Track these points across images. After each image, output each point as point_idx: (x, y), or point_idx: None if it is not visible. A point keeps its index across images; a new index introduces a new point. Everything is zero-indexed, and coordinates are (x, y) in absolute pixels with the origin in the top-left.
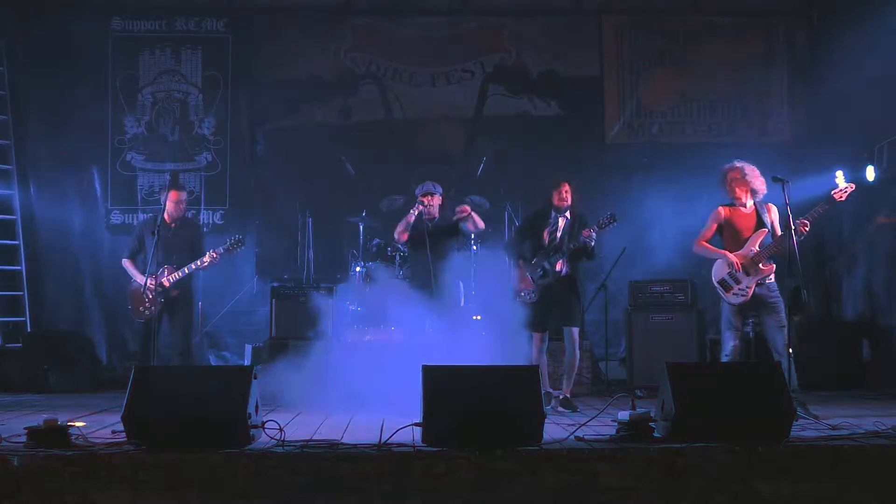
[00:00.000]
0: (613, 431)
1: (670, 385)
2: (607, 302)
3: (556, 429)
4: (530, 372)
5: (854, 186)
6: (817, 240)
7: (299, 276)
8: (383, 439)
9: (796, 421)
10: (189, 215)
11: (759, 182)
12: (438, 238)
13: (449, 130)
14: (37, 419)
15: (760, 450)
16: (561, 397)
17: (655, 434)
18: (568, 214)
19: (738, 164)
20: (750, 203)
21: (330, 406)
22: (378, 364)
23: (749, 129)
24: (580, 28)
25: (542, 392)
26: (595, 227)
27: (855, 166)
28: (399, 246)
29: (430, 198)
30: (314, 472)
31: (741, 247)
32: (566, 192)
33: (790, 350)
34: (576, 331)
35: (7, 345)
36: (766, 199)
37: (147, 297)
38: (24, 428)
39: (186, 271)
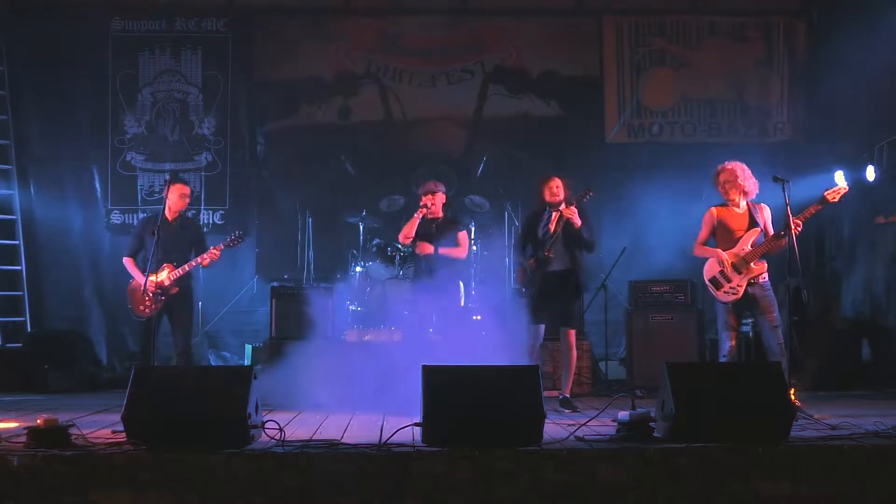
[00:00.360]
0: (613, 431)
1: (670, 385)
2: (607, 302)
3: (556, 429)
4: (530, 372)
5: (847, 188)
6: (817, 240)
7: (299, 276)
8: (383, 439)
9: (796, 421)
10: (189, 215)
11: (751, 182)
12: (442, 237)
13: (449, 130)
14: (36, 419)
15: (760, 450)
16: (560, 397)
17: (655, 434)
18: (559, 208)
19: (729, 164)
20: (743, 203)
21: (330, 406)
22: (378, 364)
23: (749, 129)
24: (580, 28)
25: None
26: (574, 203)
27: (855, 166)
28: (398, 246)
29: (432, 196)
30: (314, 472)
31: (734, 246)
32: (556, 186)
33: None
34: (572, 332)
35: (7, 345)
36: (761, 199)
37: (147, 295)
38: (24, 428)
39: (187, 268)
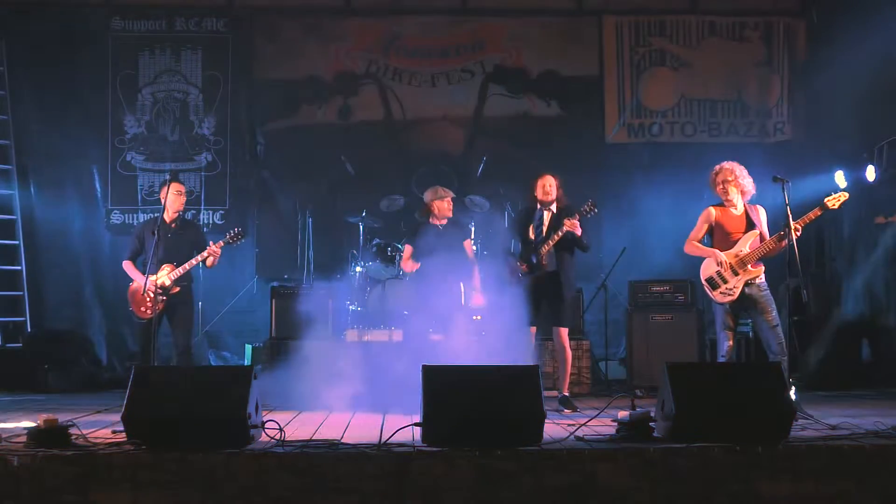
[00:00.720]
0: (613, 431)
1: (670, 385)
2: (607, 302)
3: (556, 429)
4: (530, 372)
5: (848, 195)
6: (817, 240)
7: (299, 276)
8: (383, 439)
9: (796, 421)
10: (188, 216)
11: (749, 182)
12: (450, 238)
13: (449, 130)
14: (36, 419)
15: (760, 450)
16: (559, 396)
17: (655, 434)
18: (553, 208)
19: (727, 164)
20: (740, 204)
21: (330, 406)
22: (378, 364)
23: (749, 129)
24: (580, 28)
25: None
26: (577, 216)
27: (855, 166)
28: (399, 246)
29: (441, 202)
30: (314, 472)
31: (731, 247)
32: (549, 185)
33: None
34: (564, 331)
35: (7, 345)
36: (761, 199)
37: (148, 296)
38: (24, 428)
39: (188, 266)
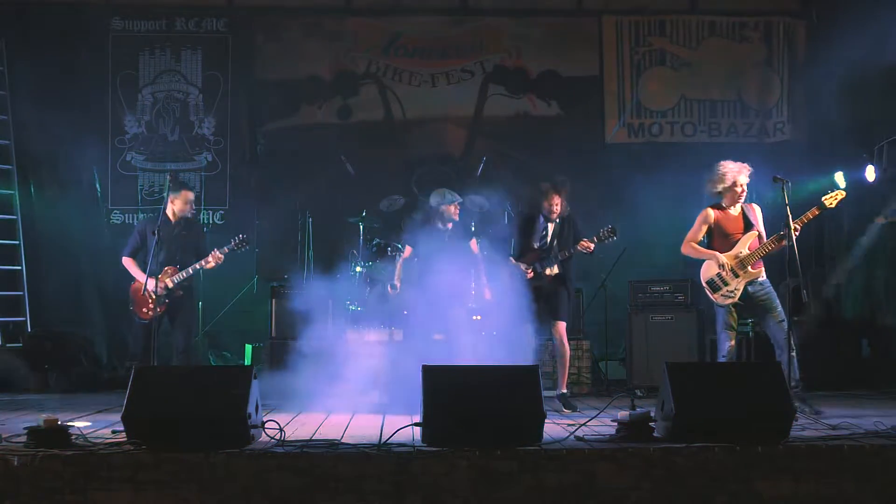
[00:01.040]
0: (613, 431)
1: (670, 385)
2: (607, 302)
3: (556, 429)
4: (530, 372)
5: (845, 193)
6: (817, 240)
7: (299, 276)
8: (383, 439)
9: (796, 421)
10: (190, 215)
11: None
12: (457, 242)
13: (449, 130)
14: (37, 419)
15: (760, 450)
16: (558, 393)
17: (655, 434)
18: (558, 219)
19: (732, 164)
20: (738, 205)
21: (330, 406)
22: (378, 364)
23: (749, 129)
24: (580, 28)
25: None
26: (594, 239)
27: (855, 166)
28: (399, 246)
29: (449, 207)
30: (314, 472)
31: (730, 249)
32: (557, 204)
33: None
34: (562, 325)
35: (7, 345)
36: (756, 199)
37: (151, 298)
38: (24, 428)
39: (191, 272)
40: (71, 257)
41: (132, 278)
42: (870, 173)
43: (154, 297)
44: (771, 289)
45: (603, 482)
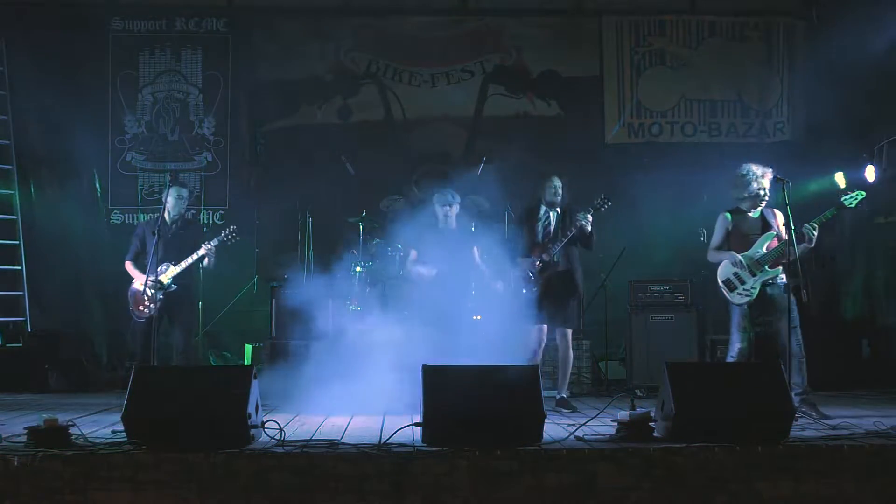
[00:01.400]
0: (613, 431)
1: (670, 385)
2: (607, 302)
3: (556, 429)
4: (530, 372)
5: (864, 194)
6: (817, 240)
7: (299, 276)
8: (383, 439)
9: (796, 421)
10: (189, 215)
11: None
12: (455, 244)
13: (449, 130)
14: (37, 419)
15: (760, 450)
16: (558, 397)
17: (655, 434)
18: (559, 209)
19: (761, 167)
20: (758, 209)
21: (330, 406)
22: (378, 364)
23: (749, 129)
24: (580, 28)
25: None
26: (590, 210)
27: (855, 166)
28: (399, 246)
29: (450, 208)
30: (314, 473)
31: (748, 249)
32: (559, 187)
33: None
34: (569, 332)
35: (7, 345)
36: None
37: (146, 294)
38: (24, 428)
39: (184, 265)
40: (71, 257)
41: (131, 280)
42: (870, 173)
43: (150, 293)
44: (790, 293)
45: (603, 482)
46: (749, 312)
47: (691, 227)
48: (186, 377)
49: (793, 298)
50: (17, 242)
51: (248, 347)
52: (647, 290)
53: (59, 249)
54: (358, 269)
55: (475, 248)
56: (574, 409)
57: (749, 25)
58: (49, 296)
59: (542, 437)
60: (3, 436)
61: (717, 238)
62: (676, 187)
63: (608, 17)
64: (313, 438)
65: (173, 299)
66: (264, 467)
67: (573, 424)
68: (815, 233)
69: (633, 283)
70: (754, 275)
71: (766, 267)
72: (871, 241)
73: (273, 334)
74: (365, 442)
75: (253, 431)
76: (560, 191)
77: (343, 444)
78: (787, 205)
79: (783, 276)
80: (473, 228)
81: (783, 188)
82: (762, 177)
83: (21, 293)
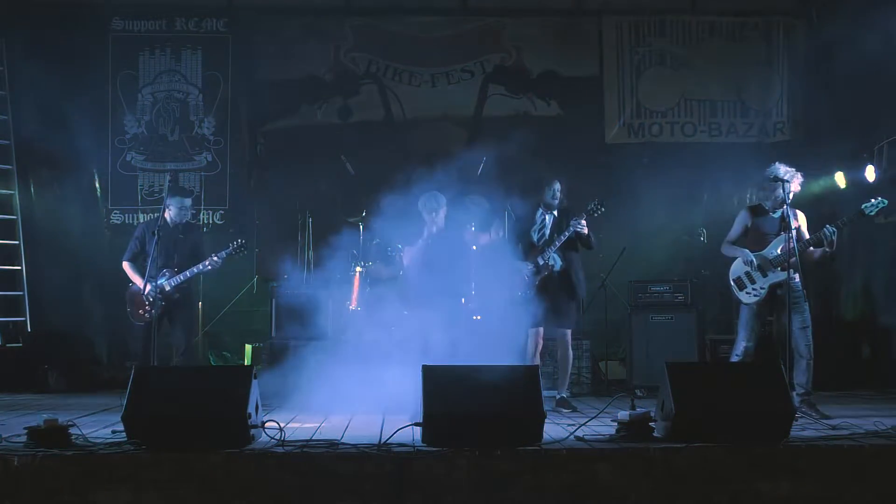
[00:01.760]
0: (613, 431)
1: (670, 385)
2: (607, 302)
3: (556, 429)
4: (530, 372)
5: (887, 202)
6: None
7: (299, 276)
8: (383, 439)
9: (796, 421)
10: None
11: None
12: (445, 248)
13: (449, 130)
14: (37, 419)
15: (760, 450)
16: (557, 397)
17: (655, 434)
18: (555, 211)
19: (790, 169)
20: (780, 210)
21: (330, 406)
22: (378, 364)
23: (749, 129)
24: (580, 28)
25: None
26: (584, 215)
27: (855, 166)
28: (399, 246)
29: (435, 214)
30: (314, 472)
31: (763, 249)
32: (558, 190)
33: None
34: (568, 333)
35: (7, 345)
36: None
37: (147, 300)
38: (24, 428)
39: (188, 275)
40: (71, 257)
41: (130, 280)
42: (870, 173)
43: (150, 300)
44: (802, 293)
45: (603, 482)
46: (758, 311)
47: (691, 228)
48: (186, 377)
49: (807, 300)
50: (17, 242)
51: (248, 347)
52: (647, 290)
53: (59, 249)
54: (358, 269)
55: (484, 235)
56: (574, 409)
57: (749, 25)
58: (49, 296)
59: (542, 437)
60: (3, 436)
61: (734, 233)
62: (676, 187)
63: (608, 17)
64: (313, 438)
65: (173, 300)
66: (264, 467)
67: (573, 424)
68: (836, 237)
69: (632, 283)
70: (765, 275)
71: (778, 269)
72: (872, 241)
73: (273, 334)
74: (365, 442)
75: (253, 431)
76: (559, 194)
77: (343, 444)
78: (787, 205)
79: (797, 277)
80: (473, 228)
81: (784, 188)
82: (776, 177)
83: (21, 293)
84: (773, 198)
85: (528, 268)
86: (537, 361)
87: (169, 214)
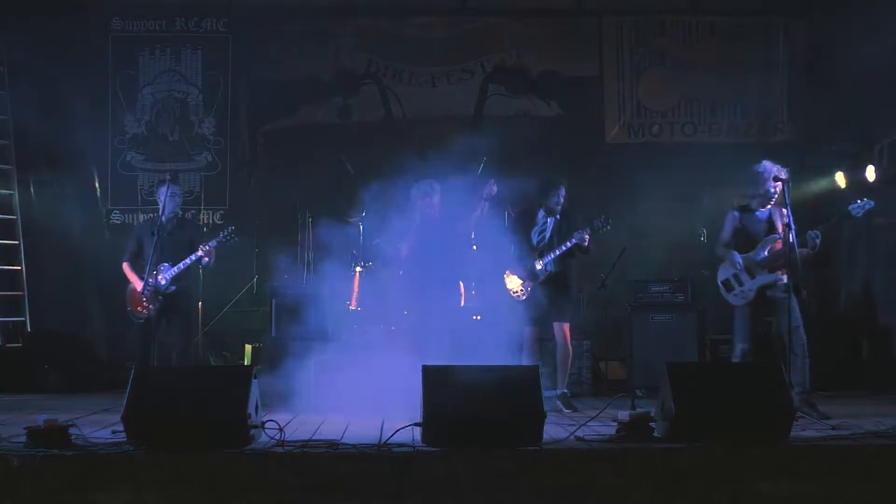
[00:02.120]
0: (613, 431)
1: (670, 385)
2: (607, 302)
3: (556, 429)
4: (530, 372)
5: (873, 203)
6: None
7: (299, 275)
8: (383, 439)
9: (796, 421)
10: (188, 215)
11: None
12: (439, 232)
13: (449, 130)
14: (37, 419)
15: (760, 450)
16: (558, 393)
17: (655, 434)
18: (558, 215)
19: (776, 166)
20: (768, 208)
21: (330, 406)
22: (378, 364)
23: (749, 129)
24: (580, 28)
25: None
26: (588, 230)
27: (855, 166)
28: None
29: (429, 199)
30: (314, 472)
31: (751, 250)
32: (562, 196)
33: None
34: (566, 326)
35: (7, 345)
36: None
37: (144, 296)
38: (24, 428)
39: (182, 267)
40: (71, 257)
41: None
42: (870, 173)
43: (147, 295)
44: (791, 294)
45: (603, 482)
46: (750, 313)
47: (691, 227)
48: (186, 377)
49: (795, 298)
50: (17, 242)
51: (248, 347)
52: (647, 290)
53: (59, 249)
54: (358, 269)
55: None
56: (574, 409)
57: (749, 25)
58: (49, 296)
59: (542, 437)
60: (3, 436)
61: (725, 234)
62: (676, 187)
63: (608, 17)
64: (313, 438)
65: (173, 299)
66: (264, 467)
67: (573, 424)
68: (819, 240)
69: (633, 283)
70: (753, 277)
71: (766, 270)
72: (872, 241)
73: (273, 334)
74: (365, 442)
75: (253, 431)
76: (562, 199)
77: (343, 444)
78: (787, 205)
79: (784, 277)
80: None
81: (784, 188)
82: (776, 177)
83: (21, 293)
84: (757, 193)
85: (526, 269)
86: (534, 360)
87: (161, 207)
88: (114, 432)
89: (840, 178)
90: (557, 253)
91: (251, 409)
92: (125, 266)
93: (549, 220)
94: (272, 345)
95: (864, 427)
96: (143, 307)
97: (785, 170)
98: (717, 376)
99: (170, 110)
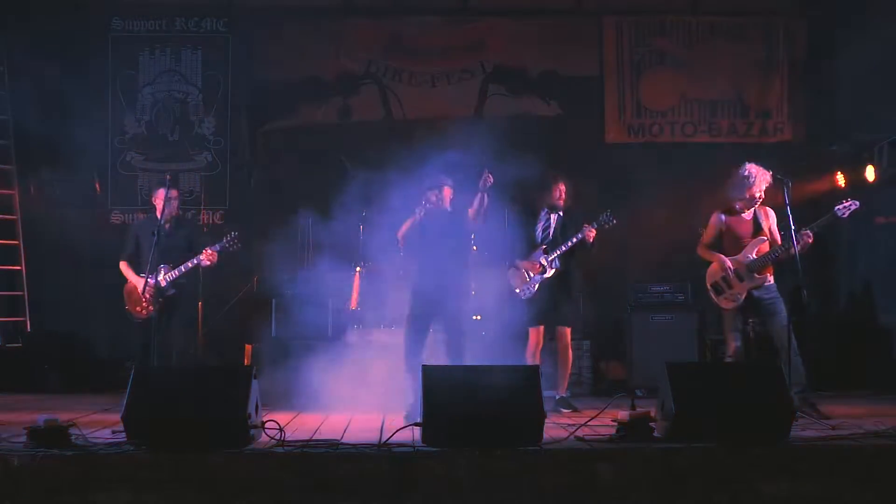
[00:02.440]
0: (613, 431)
1: (670, 385)
2: (607, 302)
3: (556, 429)
4: (530, 372)
5: (858, 204)
6: (817, 240)
7: (299, 276)
8: (383, 439)
9: (796, 422)
10: (188, 215)
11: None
12: (451, 234)
13: (449, 130)
14: (37, 419)
15: (760, 450)
16: (557, 397)
17: (655, 434)
18: (560, 212)
19: (761, 169)
20: (752, 209)
21: (330, 406)
22: (378, 364)
23: (749, 129)
24: (580, 28)
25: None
26: (594, 226)
27: (855, 166)
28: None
29: (438, 191)
30: (314, 472)
31: (739, 253)
32: (563, 191)
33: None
34: (568, 331)
35: (7, 345)
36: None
37: (144, 297)
38: (24, 428)
39: (183, 269)
40: (71, 257)
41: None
42: (870, 173)
43: (148, 296)
44: (777, 294)
45: (603, 482)
46: (739, 314)
47: (691, 227)
48: (186, 377)
49: (781, 298)
50: (17, 242)
51: (248, 347)
52: (647, 290)
53: (59, 249)
54: (358, 269)
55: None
56: (574, 409)
57: (749, 25)
58: (49, 296)
59: (542, 437)
60: (3, 436)
61: (707, 235)
62: (676, 187)
63: (608, 17)
64: (313, 438)
65: (173, 299)
66: (264, 467)
67: (573, 424)
68: (811, 240)
69: (633, 283)
70: (742, 280)
71: (755, 273)
72: (872, 241)
73: (273, 334)
74: (365, 442)
75: (253, 431)
76: (564, 195)
77: (343, 444)
78: (787, 205)
79: (771, 278)
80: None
81: (783, 188)
82: (761, 179)
83: (21, 293)
84: (742, 196)
85: (529, 266)
86: (537, 360)
87: (158, 210)
88: (114, 432)
89: (840, 178)
90: (563, 249)
91: (251, 409)
92: (123, 265)
93: (551, 216)
94: (272, 345)
95: (864, 427)
96: (142, 307)
97: (769, 172)
98: (717, 376)
99: (170, 110)
